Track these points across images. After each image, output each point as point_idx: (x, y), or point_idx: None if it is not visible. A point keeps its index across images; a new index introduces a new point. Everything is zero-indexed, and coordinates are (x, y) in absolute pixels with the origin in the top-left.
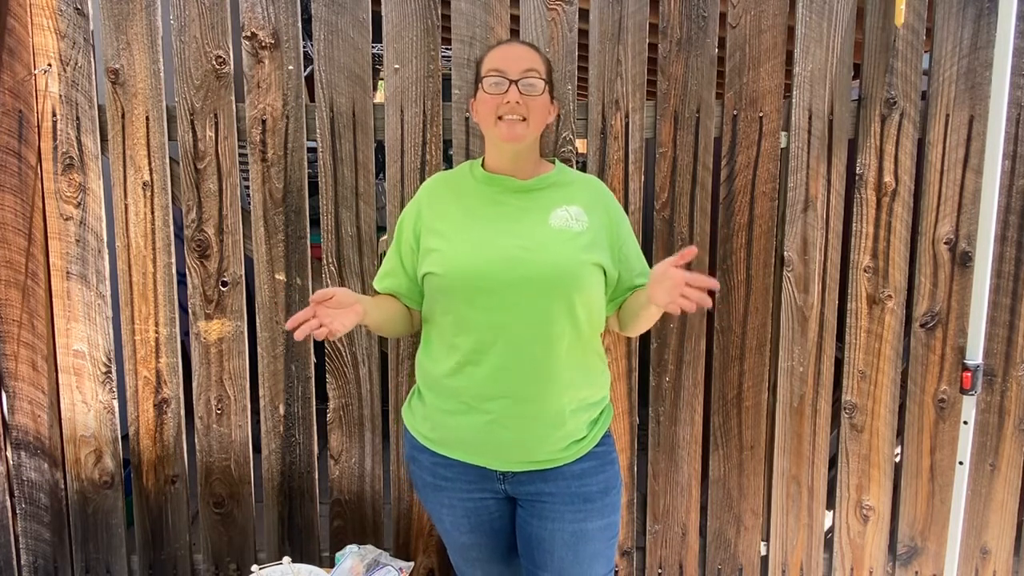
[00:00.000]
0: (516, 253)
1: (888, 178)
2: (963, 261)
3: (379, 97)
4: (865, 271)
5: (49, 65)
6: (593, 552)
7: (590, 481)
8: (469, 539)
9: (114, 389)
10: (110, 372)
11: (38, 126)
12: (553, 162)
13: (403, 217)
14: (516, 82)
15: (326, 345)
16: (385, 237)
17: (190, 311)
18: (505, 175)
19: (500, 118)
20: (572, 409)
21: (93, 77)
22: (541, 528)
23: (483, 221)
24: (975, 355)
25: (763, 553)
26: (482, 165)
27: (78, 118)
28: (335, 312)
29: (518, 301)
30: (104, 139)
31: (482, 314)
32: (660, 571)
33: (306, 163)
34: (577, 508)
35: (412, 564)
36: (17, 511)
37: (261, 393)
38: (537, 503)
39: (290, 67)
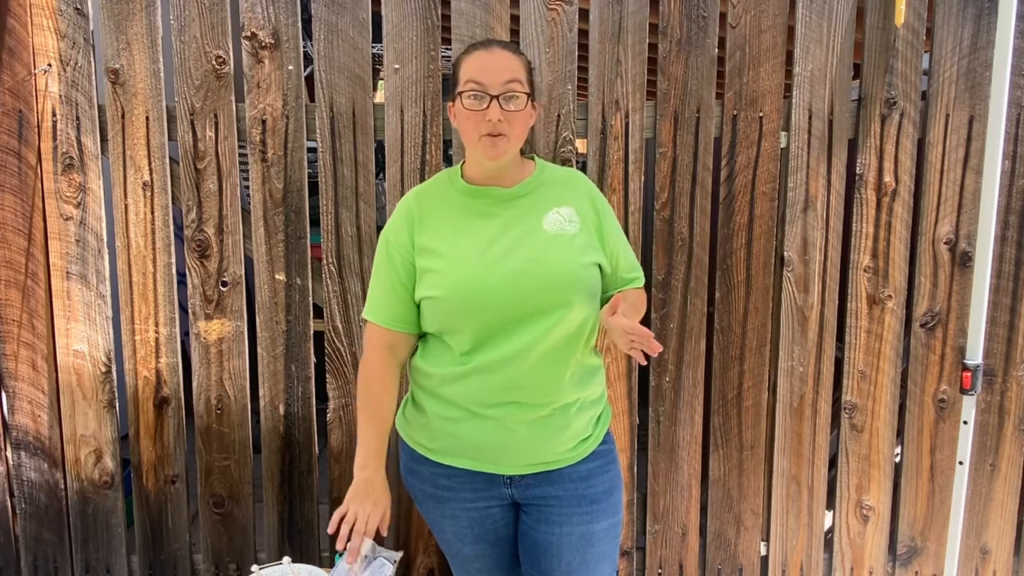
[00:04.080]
0: (518, 266)
1: (888, 178)
2: (963, 261)
3: (379, 97)
4: (865, 271)
5: (49, 65)
6: (600, 553)
7: (596, 482)
8: (472, 550)
9: (114, 389)
10: (110, 372)
11: (38, 126)
12: (533, 159)
13: (387, 239)
14: (497, 97)
15: (326, 345)
16: None
17: (190, 311)
18: (490, 185)
19: (482, 135)
20: (576, 409)
21: (93, 77)
22: (548, 533)
23: (477, 237)
24: (975, 355)
25: (763, 553)
26: (461, 176)
27: (78, 118)
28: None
29: (523, 311)
30: (104, 139)
31: (487, 327)
32: (660, 571)
33: (306, 163)
34: (584, 510)
35: (401, 553)
36: (17, 511)
37: (261, 393)
38: (544, 507)
39: (290, 67)
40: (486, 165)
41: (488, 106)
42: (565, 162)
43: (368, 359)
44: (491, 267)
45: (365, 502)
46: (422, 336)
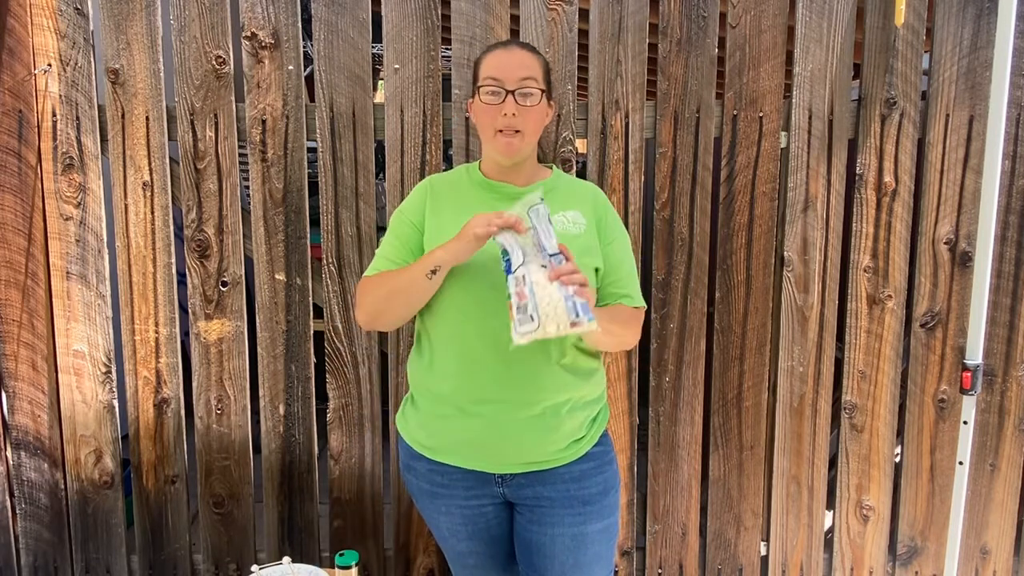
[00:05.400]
0: None
1: (888, 178)
2: (963, 261)
3: (379, 97)
4: (865, 271)
5: (49, 65)
6: (594, 555)
7: (589, 483)
8: (467, 546)
9: (114, 389)
10: (110, 372)
11: (38, 126)
12: (551, 167)
13: (401, 211)
14: (513, 92)
15: (326, 345)
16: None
17: (190, 311)
18: (503, 182)
19: (498, 131)
20: (568, 409)
21: (93, 77)
22: (541, 533)
23: None
24: (975, 355)
25: (763, 553)
26: (479, 169)
27: (78, 118)
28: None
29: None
30: (104, 139)
31: (475, 319)
32: (660, 571)
33: (306, 163)
34: (576, 511)
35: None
36: (17, 511)
37: (261, 393)
38: (536, 508)
39: (290, 67)
40: (500, 162)
41: (504, 100)
42: (565, 162)
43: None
44: (482, 253)
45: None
46: (416, 338)
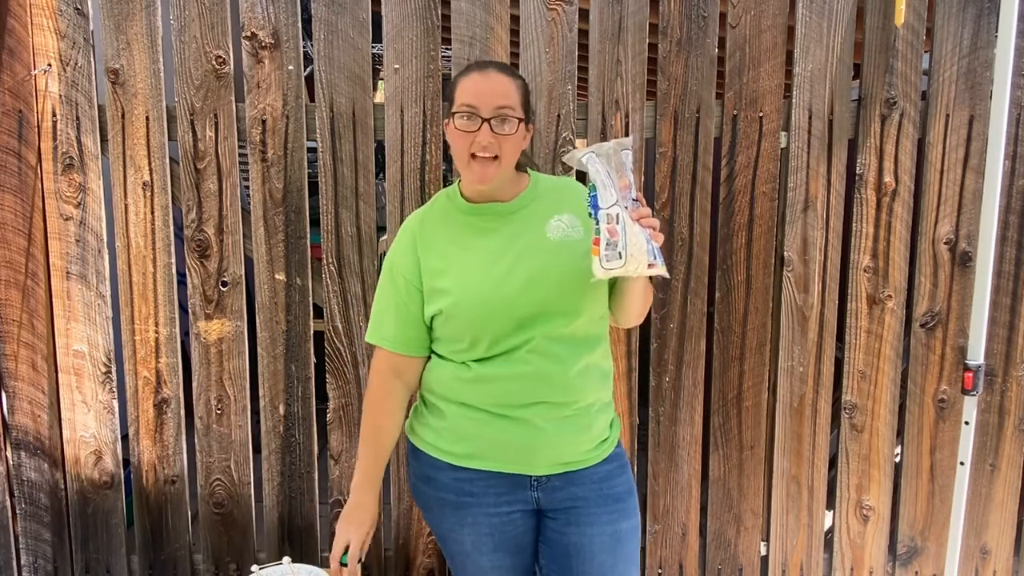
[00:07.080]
0: (526, 276)
1: (888, 178)
2: (963, 261)
3: (379, 97)
4: (865, 271)
5: (49, 65)
6: (627, 553)
7: (616, 482)
8: (491, 560)
9: (114, 389)
10: (110, 372)
11: (38, 126)
12: (527, 171)
13: (392, 264)
14: (489, 120)
15: (326, 345)
16: (385, 237)
17: (190, 311)
18: (488, 202)
19: (473, 156)
20: (596, 410)
21: (93, 77)
22: (579, 535)
23: (482, 253)
24: (977, 355)
25: (763, 553)
26: (461, 194)
27: (78, 118)
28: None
29: (537, 320)
30: (104, 139)
31: (505, 338)
32: (660, 571)
33: (306, 163)
34: (611, 508)
35: (632, 138)
36: (17, 511)
37: (261, 393)
38: (572, 510)
39: (290, 67)
40: (478, 187)
41: (479, 128)
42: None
43: (372, 385)
44: (499, 283)
45: (351, 526)
46: (433, 351)
